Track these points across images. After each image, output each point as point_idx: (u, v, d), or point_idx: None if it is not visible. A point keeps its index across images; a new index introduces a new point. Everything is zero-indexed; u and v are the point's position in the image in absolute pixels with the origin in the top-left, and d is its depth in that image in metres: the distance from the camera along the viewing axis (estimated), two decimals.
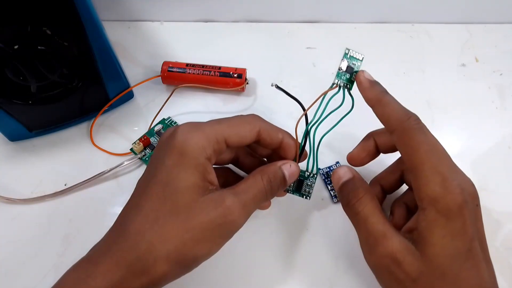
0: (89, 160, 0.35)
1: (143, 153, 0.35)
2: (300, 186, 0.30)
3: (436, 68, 0.42)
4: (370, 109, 0.28)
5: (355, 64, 0.29)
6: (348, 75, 0.29)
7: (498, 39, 0.44)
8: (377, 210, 0.26)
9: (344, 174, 0.28)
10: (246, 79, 0.38)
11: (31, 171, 0.35)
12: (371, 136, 0.30)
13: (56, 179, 0.34)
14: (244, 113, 0.38)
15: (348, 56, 0.29)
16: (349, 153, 0.31)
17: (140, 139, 0.35)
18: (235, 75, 0.38)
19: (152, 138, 0.36)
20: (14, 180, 0.34)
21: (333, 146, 0.36)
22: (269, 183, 0.26)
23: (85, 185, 0.33)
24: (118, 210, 0.33)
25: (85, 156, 0.36)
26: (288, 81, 0.41)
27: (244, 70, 0.38)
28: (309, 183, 0.30)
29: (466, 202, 0.24)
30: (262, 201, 0.26)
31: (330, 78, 0.41)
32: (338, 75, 0.29)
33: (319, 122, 0.29)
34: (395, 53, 0.43)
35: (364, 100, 0.28)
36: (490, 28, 0.45)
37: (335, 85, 0.29)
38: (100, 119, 0.37)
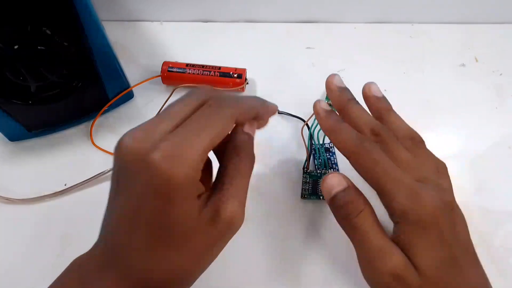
0: (88, 160, 0.35)
1: None
2: (316, 187, 0.30)
3: (436, 68, 0.42)
4: None
5: None
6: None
7: (498, 39, 0.44)
8: (375, 224, 0.24)
9: (338, 183, 0.25)
10: (246, 79, 0.38)
11: (31, 171, 0.35)
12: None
13: (55, 179, 0.34)
14: None
15: None
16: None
17: None
18: (235, 75, 0.38)
19: None
20: (13, 180, 0.34)
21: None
22: (247, 156, 0.24)
23: (85, 185, 0.33)
24: None
25: (85, 156, 0.35)
26: (287, 81, 0.41)
27: (244, 70, 0.38)
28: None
29: (438, 209, 0.24)
30: (249, 177, 0.24)
31: None
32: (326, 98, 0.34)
33: None
34: (395, 53, 0.43)
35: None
36: (490, 28, 0.45)
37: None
38: (100, 119, 0.37)
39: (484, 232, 0.33)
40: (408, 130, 0.29)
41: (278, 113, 0.37)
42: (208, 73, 0.38)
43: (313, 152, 0.34)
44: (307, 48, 0.43)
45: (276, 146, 0.36)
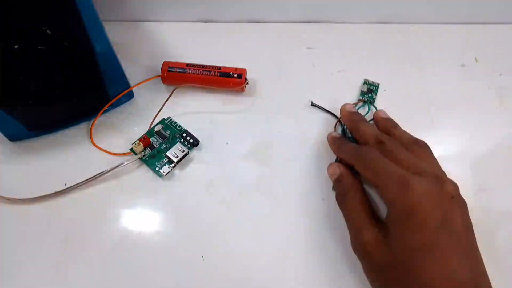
0: (88, 160, 0.35)
1: (143, 153, 0.35)
2: None
3: (436, 68, 0.42)
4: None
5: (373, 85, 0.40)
6: (369, 94, 0.39)
7: (498, 39, 0.44)
8: (360, 204, 0.29)
9: (333, 172, 0.33)
10: (246, 79, 0.38)
11: (31, 171, 0.35)
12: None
13: (56, 179, 0.34)
14: (244, 113, 0.38)
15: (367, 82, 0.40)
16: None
17: (140, 139, 0.35)
18: (235, 75, 0.38)
19: (152, 138, 0.36)
20: (13, 180, 0.34)
21: None
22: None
23: (85, 185, 0.33)
24: (117, 210, 0.33)
25: (85, 156, 0.36)
26: (287, 81, 0.41)
27: (244, 70, 0.38)
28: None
29: (427, 196, 0.25)
30: None
31: (329, 78, 0.41)
32: (361, 94, 0.39)
33: None
34: (394, 53, 0.43)
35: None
36: (490, 28, 0.45)
37: (360, 100, 0.39)
38: (100, 119, 0.37)
39: (484, 232, 0.32)
40: (412, 138, 0.32)
41: (312, 105, 0.39)
42: (208, 73, 0.38)
43: None
44: (307, 48, 0.43)
45: (310, 138, 0.37)
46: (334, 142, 0.34)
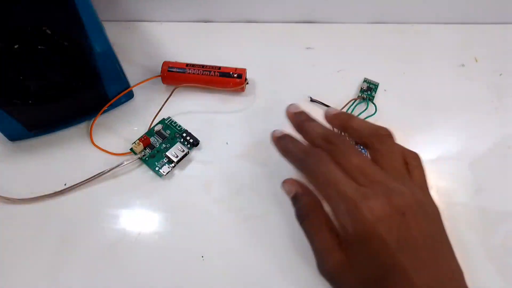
0: (88, 160, 0.35)
1: (142, 153, 0.35)
2: None
3: (436, 68, 0.42)
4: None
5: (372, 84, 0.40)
6: (369, 91, 0.39)
7: (498, 39, 0.44)
8: (322, 225, 0.27)
9: (289, 189, 0.29)
10: (246, 79, 0.38)
11: (31, 171, 0.35)
12: None
13: (55, 179, 0.34)
14: (244, 113, 0.38)
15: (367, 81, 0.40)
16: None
17: (140, 139, 0.35)
18: (235, 75, 0.38)
19: (152, 138, 0.36)
20: (13, 180, 0.34)
21: None
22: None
23: (85, 185, 0.33)
24: (117, 210, 0.33)
25: (85, 156, 0.36)
26: (287, 81, 0.41)
27: (244, 70, 0.38)
28: None
29: (381, 220, 0.24)
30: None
31: (329, 78, 0.41)
32: (361, 91, 0.39)
33: None
34: (394, 53, 0.43)
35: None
36: (490, 28, 0.45)
37: (359, 97, 0.39)
38: (99, 119, 0.37)
39: (484, 232, 0.33)
40: (371, 128, 0.29)
41: (311, 101, 0.38)
42: (208, 73, 0.38)
43: None
44: (307, 48, 0.43)
45: None
46: (279, 143, 0.30)
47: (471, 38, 0.44)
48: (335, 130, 0.31)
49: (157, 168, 0.34)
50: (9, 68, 0.29)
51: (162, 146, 0.35)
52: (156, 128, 0.37)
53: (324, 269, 0.26)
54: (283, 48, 0.43)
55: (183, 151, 0.35)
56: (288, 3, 0.43)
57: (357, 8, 0.44)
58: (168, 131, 0.36)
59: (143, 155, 0.35)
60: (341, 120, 0.30)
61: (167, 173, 0.34)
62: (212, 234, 0.32)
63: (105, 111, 0.36)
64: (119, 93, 0.36)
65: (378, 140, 0.28)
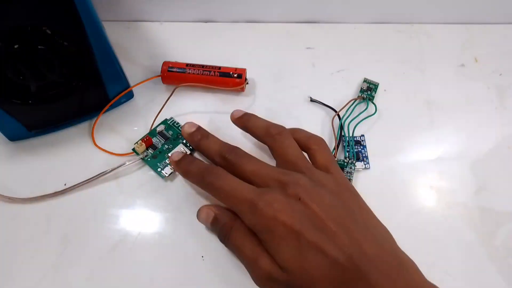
0: (88, 160, 0.35)
1: (145, 153, 0.35)
2: None
3: (436, 68, 0.42)
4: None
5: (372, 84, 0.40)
6: (369, 91, 0.39)
7: (498, 39, 0.44)
8: (245, 237, 0.27)
9: (206, 216, 0.30)
10: (246, 79, 0.38)
11: (31, 170, 0.35)
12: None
13: (55, 179, 0.34)
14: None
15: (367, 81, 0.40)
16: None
17: (142, 140, 0.35)
18: (235, 75, 0.38)
19: (154, 138, 0.36)
20: (13, 180, 0.34)
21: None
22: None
23: (85, 185, 0.33)
24: (118, 210, 0.33)
25: (85, 156, 0.35)
26: (287, 81, 0.41)
27: (244, 70, 0.38)
28: (348, 170, 0.34)
29: (278, 210, 0.25)
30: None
31: (329, 78, 0.41)
32: (361, 91, 0.39)
33: (353, 118, 0.37)
34: (394, 53, 0.43)
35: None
36: (490, 28, 0.45)
37: (359, 97, 0.39)
38: (99, 119, 0.37)
39: (484, 232, 0.33)
40: (264, 127, 0.32)
41: (311, 101, 0.39)
42: (208, 73, 0.38)
43: (343, 142, 0.36)
44: (307, 48, 0.43)
45: None
46: (178, 166, 0.32)
47: (471, 38, 0.44)
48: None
49: (159, 169, 0.34)
50: (9, 68, 0.29)
51: (165, 146, 0.35)
52: (159, 129, 0.37)
53: (260, 275, 0.26)
54: (283, 48, 0.43)
55: (185, 152, 0.35)
56: (288, 3, 0.43)
57: (357, 8, 0.44)
58: (171, 132, 0.36)
59: (145, 156, 0.35)
60: (242, 122, 0.33)
61: (169, 174, 0.34)
62: (212, 234, 0.32)
63: (105, 111, 0.36)
64: (119, 93, 0.36)
65: (270, 140, 0.31)
